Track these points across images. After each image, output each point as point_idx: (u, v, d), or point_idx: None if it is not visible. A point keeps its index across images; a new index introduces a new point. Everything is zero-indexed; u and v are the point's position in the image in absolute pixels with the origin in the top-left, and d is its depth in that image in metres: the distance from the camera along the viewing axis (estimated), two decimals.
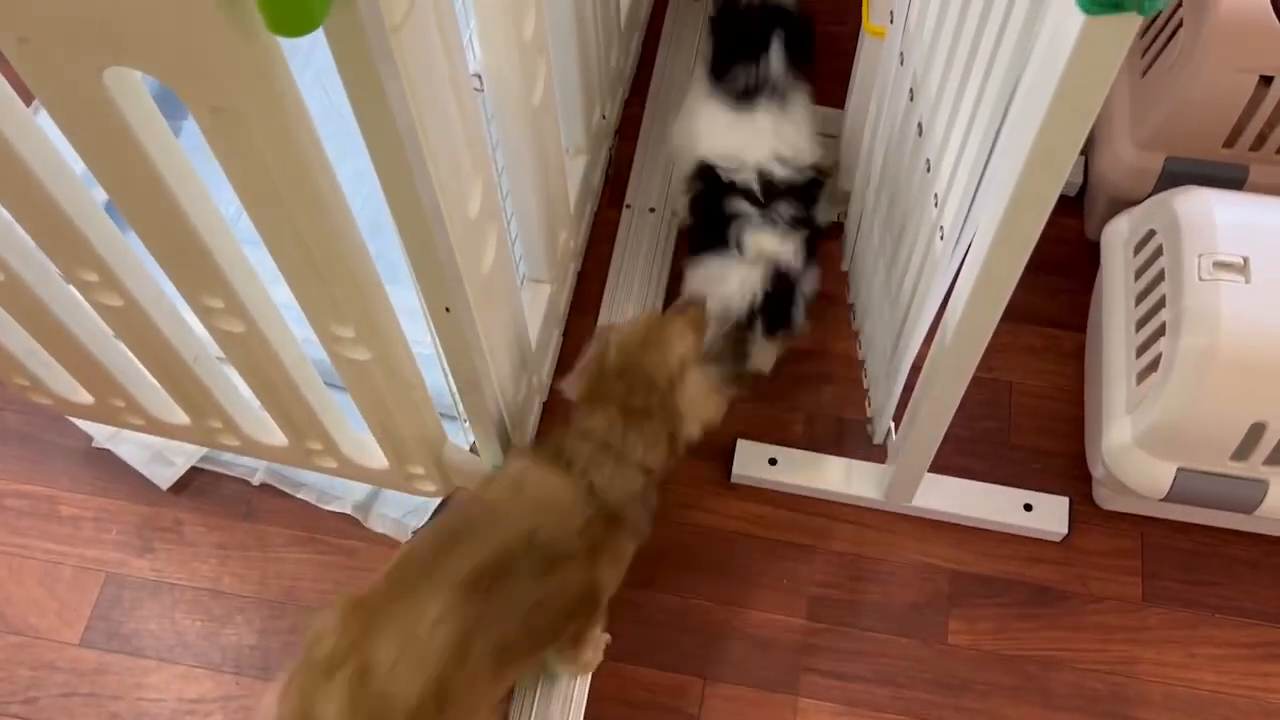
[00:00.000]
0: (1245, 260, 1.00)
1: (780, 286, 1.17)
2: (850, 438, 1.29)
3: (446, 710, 0.85)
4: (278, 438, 1.08)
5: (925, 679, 1.16)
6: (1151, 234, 1.12)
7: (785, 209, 1.17)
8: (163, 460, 1.25)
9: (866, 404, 1.29)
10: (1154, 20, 1.22)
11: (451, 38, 0.74)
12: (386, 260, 1.26)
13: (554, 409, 1.29)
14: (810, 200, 1.20)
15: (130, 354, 0.99)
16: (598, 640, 1.12)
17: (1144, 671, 1.16)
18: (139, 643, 1.18)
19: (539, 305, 1.25)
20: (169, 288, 0.86)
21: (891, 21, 1.05)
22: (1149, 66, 1.22)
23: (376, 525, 1.23)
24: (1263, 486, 1.04)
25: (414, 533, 1.21)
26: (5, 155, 0.72)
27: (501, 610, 0.88)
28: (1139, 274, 1.13)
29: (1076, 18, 0.58)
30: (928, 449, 1.09)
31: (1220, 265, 1.01)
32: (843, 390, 1.32)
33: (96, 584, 1.21)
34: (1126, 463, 1.07)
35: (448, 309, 0.88)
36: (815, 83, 1.41)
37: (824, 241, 1.31)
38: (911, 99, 0.98)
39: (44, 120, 0.70)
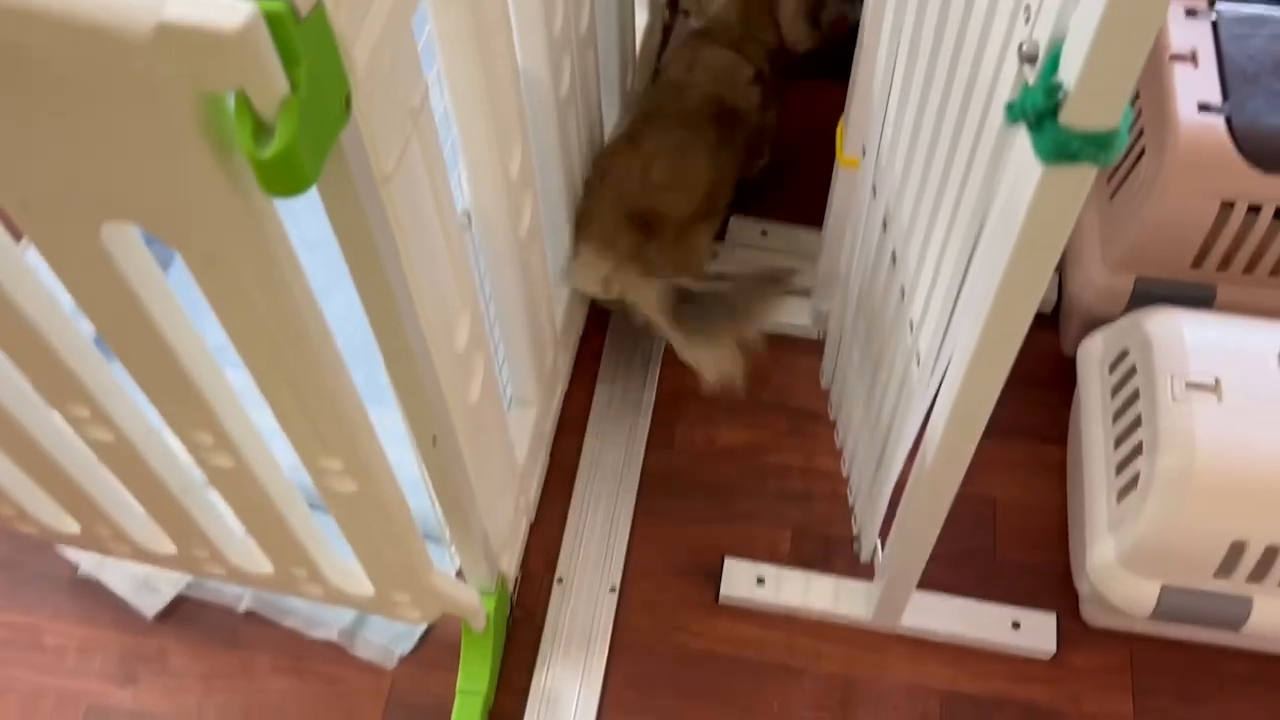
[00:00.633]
0: (1217, 381, 1.03)
1: None
2: (838, 555, 1.29)
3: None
4: (264, 566, 1.07)
5: None
6: (1125, 353, 1.14)
7: None
8: (148, 588, 1.25)
9: (852, 521, 1.30)
10: None
11: (440, 181, 0.77)
12: (375, 383, 1.28)
13: (541, 529, 1.30)
14: None
15: (118, 484, 0.99)
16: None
17: None
18: None
19: (525, 427, 1.27)
20: (158, 419, 0.87)
21: (864, 155, 1.09)
22: (1116, 190, 1.26)
23: (362, 651, 1.22)
24: (1247, 604, 1.05)
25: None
26: None
27: (719, 140, 1.30)
28: (1115, 392, 1.15)
29: (1036, 167, 0.61)
30: (914, 567, 1.10)
31: (1193, 386, 1.03)
32: (829, 507, 1.33)
33: (78, 716, 1.20)
34: (1111, 581, 1.08)
35: (434, 440, 0.89)
36: (795, 201, 1.48)
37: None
38: (885, 229, 1.01)
39: (33, 257, 0.72)
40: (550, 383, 1.31)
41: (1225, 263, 1.20)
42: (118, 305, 0.69)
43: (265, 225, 0.60)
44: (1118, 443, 1.12)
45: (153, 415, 0.86)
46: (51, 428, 0.94)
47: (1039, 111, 0.58)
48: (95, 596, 1.26)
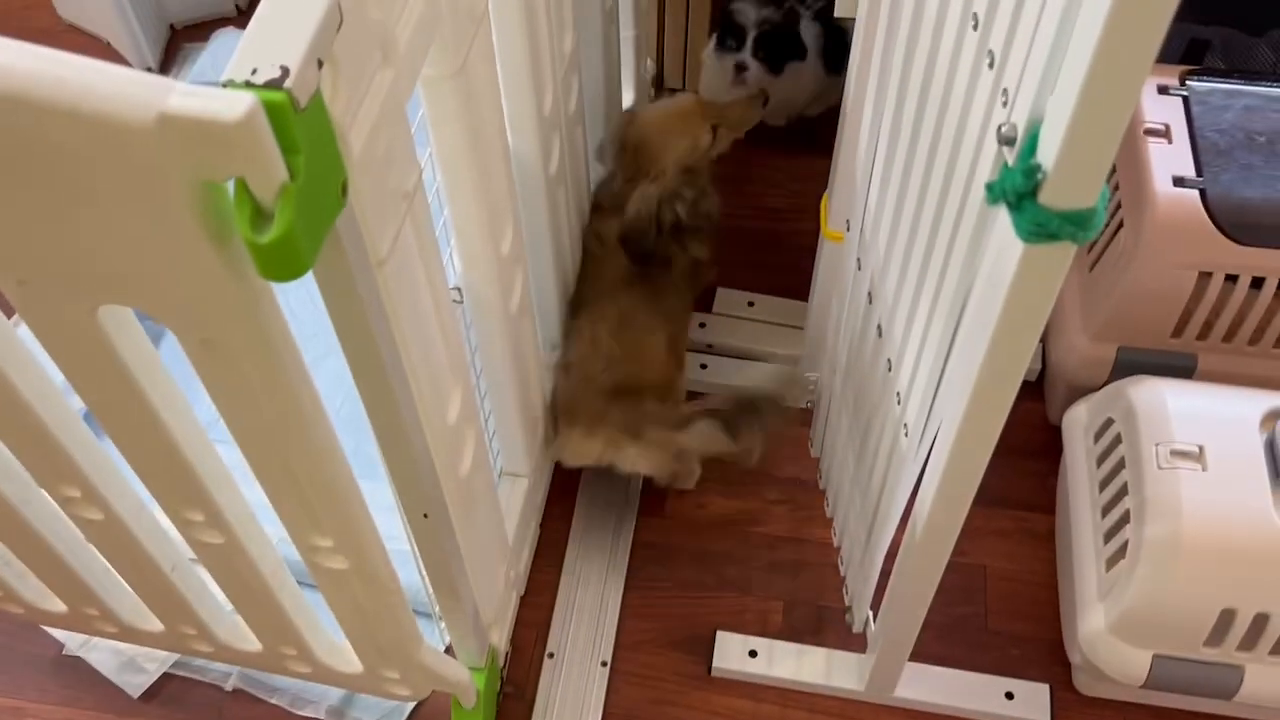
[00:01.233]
0: (1201, 448, 1.04)
1: None
2: (830, 626, 1.29)
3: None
4: (252, 643, 1.07)
5: None
6: (1110, 422, 1.15)
7: None
8: (134, 667, 1.23)
9: (844, 591, 1.30)
10: None
11: (433, 260, 0.78)
12: (364, 455, 1.28)
13: (531, 602, 1.29)
14: None
15: (107, 563, 0.99)
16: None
17: None
18: None
19: (516, 499, 1.27)
20: (147, 495, 0.87)
21: (848, 229, 1.11)
22: (1096, 261, 1.28)
23: None
24: (1238, 673, 1.05)
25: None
26: None
27: (655, 289, 1.28)
28: (1100, 461, 1.16)
29: (1016, 245, 0.63)
30: (906, 638, 1.10)
31: (1177, 454, 1.04)
32: (820, 577, 1.33)
33: None
34: (1102, 650, 1.08)
35: (425, 515, 0.89)
36: (781, 271, 1.49)
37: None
38: (870, 302, 1.03)
39: (25, 333, 0.72)
40: (540, 454, 1.31)
41: (1205, 332, 1.21)
42: (112, 384, 0.69)
43: (262, 309, 0.61)
44: (1105, 511, 1.13)
45: (142, 491, 0.86)
46: (40, 507, 0.94)
47: (1018, 192, 0.60)
48: (80, 676, 1.24)
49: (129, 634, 1.11)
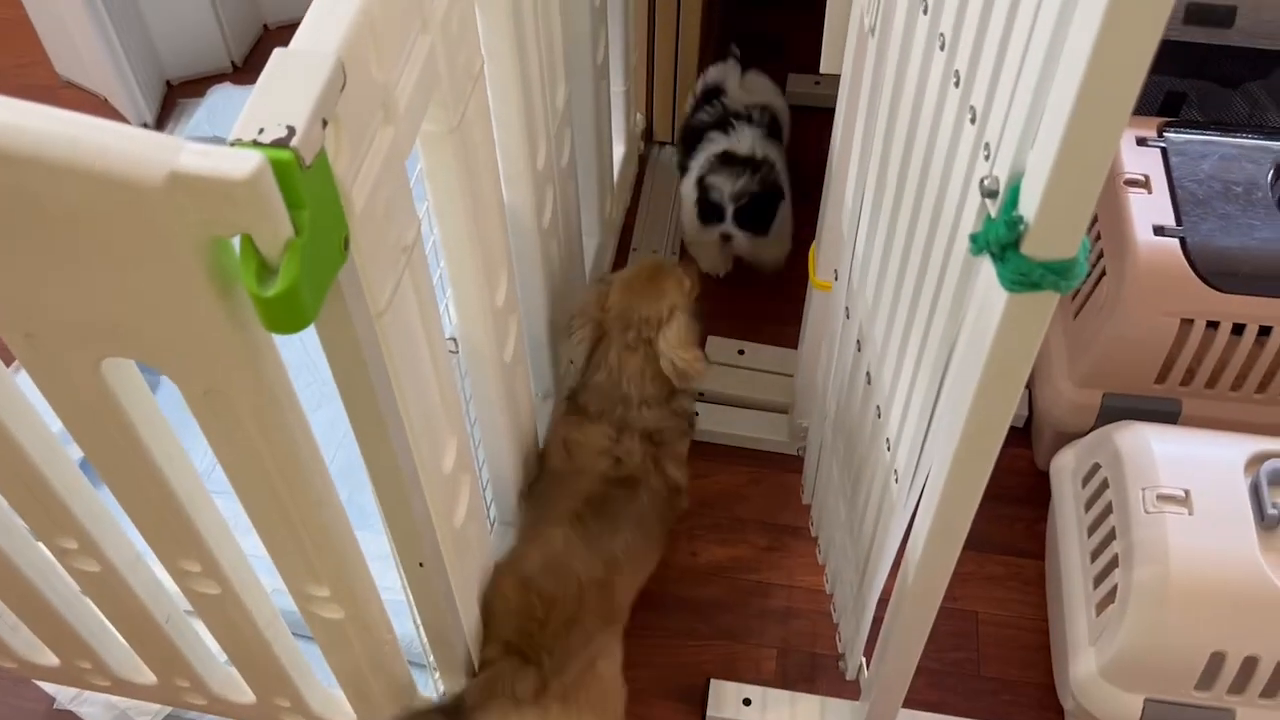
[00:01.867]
0: (1187, 493, 1.05)
1: None
2: (823, 673, 1.29)
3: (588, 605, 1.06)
4: (246, 695, 1.06)
5: None
6: (1097, 467, 1.17)
7: None
8: None
9: (837, 639, 1.30)
10: None
11: (430, 312, 0.79)
12: (358, 505, 1.28)
13: None
14: None
15: (101, 616, 0.99)
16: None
17: None
18: None
19: (509, 547, 1.27)
20: (142, 545, 0.87)
21: (836, 278, 1.12)
22: (1079, 310, 1.31)
23: None
24: (1229, 716, 1.05)
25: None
26: None
27: (613, 526, 1.10)
28: (1088, 506, 1.17)
29: (1000, 294, 0.64)
30: (899, 685, 1.10)
31: (1164, 498, 1.05)
32: (813, 624, 1.33)
33: None
34: (1094, 695, 1.08)
35: (421, 564, 0.89)
36: (770, 320, 1.50)
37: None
38: (859, 349, 1.05)
39: (23, 381, 0.73)
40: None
41: (1188, 378, 1.23)
42: (112, 434, 0.70)
43: (264, 360, 0.62)
44: (1094, 556, 1.14)
45: (139, 542, 0.86)
46: (35, 559, 0.94)
47: (1001, 243, 0.61)
48: None
49: (122, 687, 1.10)
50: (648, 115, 1.76)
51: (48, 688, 1.25)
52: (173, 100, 1.88)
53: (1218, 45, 1.38)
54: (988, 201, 0.64)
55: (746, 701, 1.24)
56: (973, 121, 0.69)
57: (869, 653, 1.15)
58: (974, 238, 0.65)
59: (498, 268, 0.98)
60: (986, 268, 0.65)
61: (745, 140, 1.53)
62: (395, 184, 0.67)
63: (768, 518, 1.42)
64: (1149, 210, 1.20)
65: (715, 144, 1.54)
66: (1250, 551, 1.02)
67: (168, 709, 1.23)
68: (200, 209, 0.51)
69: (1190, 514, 1.04)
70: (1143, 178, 1.22)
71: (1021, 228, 0.60)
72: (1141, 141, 1.26)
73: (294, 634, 1.00)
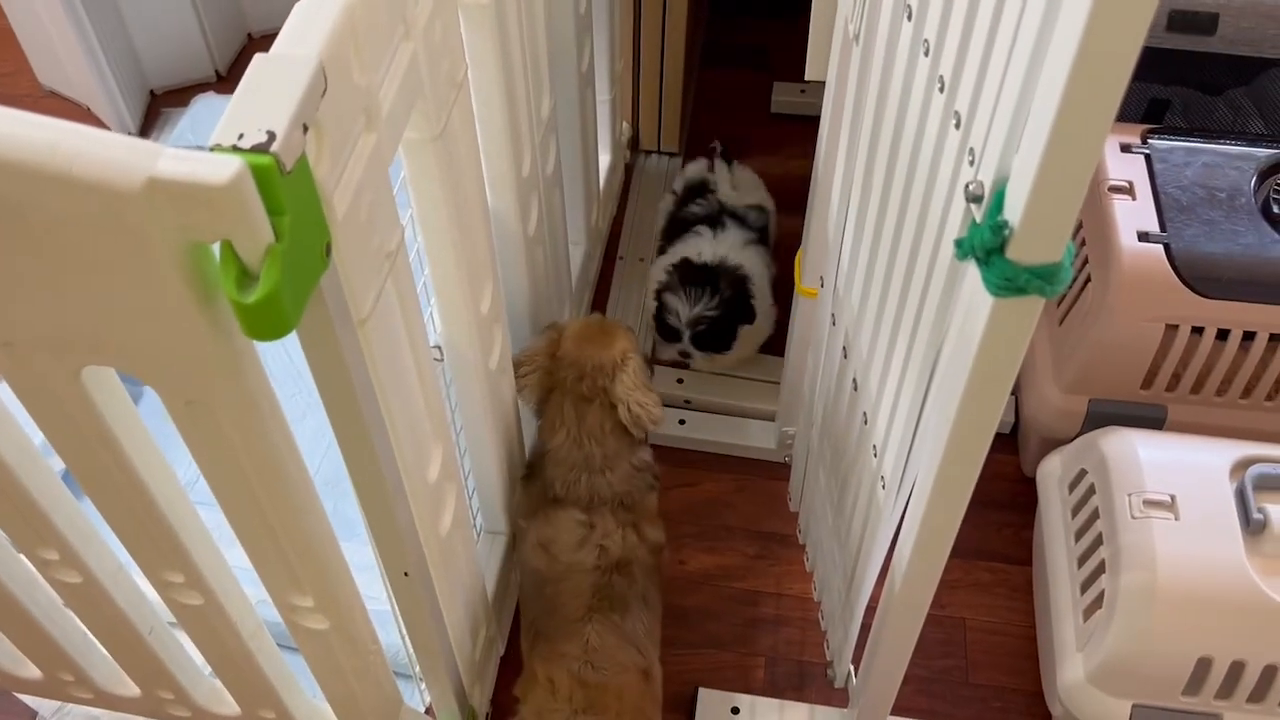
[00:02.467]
0: (1173, 498, 1.05)
1: None
2: (811, 681, 1.29)
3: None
4: (230, 708, 1.05)
5: None
6: (1083, 473, 1.17)
7: None
8: None
9: (825, 646, 1.30)
10: None
11: (414, 319, 0.79)
12: (342, 515, 1.28)
13: (513, 660, 1.28)
14: None
15: (84, 627, 0.98)
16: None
17: None
18: None
19: (495, 557, 1.27)
20: (125, 556, 0.86)
21: (822, 285, 1.12)
22: (1065, 316, 1.31)
23: None
24: None
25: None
26: None
27: (626, 611, 1.08)
28: (1075, 511, 1.18)
29: (986, 299, 0.64)
30: (888, 693, 1.10)
31: (1150, 503, 1.05)
32: (801, 632, 1.33)
33: None
34: (1082, 701, 1.08)
35: (406, 573, 0.89)
36: None
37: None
38: (845, 356, 1.04)
39: (3, 391, 0.72)
40: (515, 521, 1.31)
41: (1174, 384, 1.24)
42: (93, 445, 0.70)
43: (245, 368, 0.61)
44: (1081, 561, 1.14)
45: (121, 553, 0.86)
46: (15, 571, 0.93)
47: (987, 248, 0.61)
48: None
49: (105, 700, 1.09)
50: (634, 124, 1.76)
51: (30, 701, 1.24)
52: (156, 109, 1.88)
53: (1200, 52, 1.39)
54: (973, 207, 0.64)
55: (735, 710, 1.24)
56: (957, 127, 0.69)
57: (857, 660, 1.15)
58: (959, 243, 0.65)
59: (483, 275, 0.98)
60: (972, 273, 0.65)
61: (721, 246, 1.45)
62: (378, 190, 0.66)
63: (755, 525, 1.42)
64: (1133, 216, 1.20)
65: (686, 245, 1.46)
66: (1236, 556, 1.03)
67: None
68: (180, 215, 0.51)
69: (1176, 519, 1.04)
70: (1127, 184, 1.23)
71: (1006, 232, 0.60)
72: (1125, 148, 1.26)
73: (278, 645, 0.99)
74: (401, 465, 0.80)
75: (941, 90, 0.72)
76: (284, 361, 1.45)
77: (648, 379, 1.15)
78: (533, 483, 1.16)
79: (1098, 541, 1.11)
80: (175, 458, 0.76)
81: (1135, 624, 1.03)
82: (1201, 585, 1.02)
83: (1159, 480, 1.07)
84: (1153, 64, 1.39)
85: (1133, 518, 1.05)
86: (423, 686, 1.13)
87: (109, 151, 0.50)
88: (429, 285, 0.94)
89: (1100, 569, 1.09)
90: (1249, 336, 1.18)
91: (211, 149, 0.51)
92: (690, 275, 1.42)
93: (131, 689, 1.06)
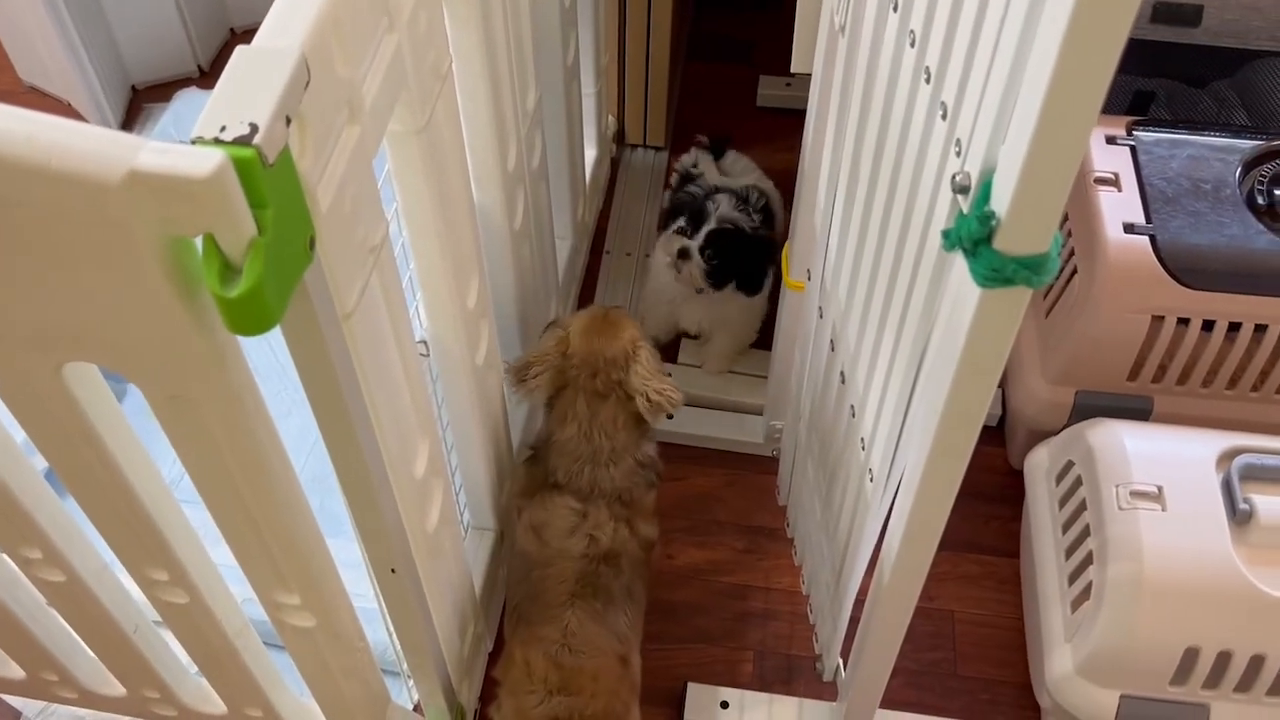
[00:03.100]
0: (1160, 489, 1.06)
1: None
2: (800, 675, 1.29)
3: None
4: (217, 706, 1.05)
5: None
6: (1070, 465, 1.17)
7: None
8: None
9: (814, 640, 1.30)
10: None
11: (399, 314, 0.78)
12: (329, 512, 1.27)
13: (500, 657, 1.28)
14: None
15: (68, 626, 0.97)
16: None
17: None
18: None
19: (483, 553, 1.26)
20: (109, 554, 0.86)
21: (809, 278, 1.12)
22: (1051, 308, 1.31)
23: None
24: (1204, 711, 1.06)
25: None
26: None
27: (609, 601, 1.08)
28: (1062, 503, 1.18)
29: (973, 290, 0.64)
30: (876, 685, 1.10)
31: (1137, 494, 1.05)
32: (790, 626, 1.33)
33: None
34: (1070, 692, 1.08)
35: (393, 570, 0.88)
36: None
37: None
38: (833, 349, 1.04)
39: None
40: (508, 508, 1.31)
41: (1160, 375, 1.24)
42: (76, 442, 0.69)
43: (229, 363, 0.61)
44: (1069, 553, 1.14)
45: (105, 551, 0.85)
46: None
47: (974, 239, 0.61)
48: None
49: (90, 699, 1.08)
50: (619, 118, 1.76)
51: (14, 701, 1.23)
52: (138, 105, 1.86)
53: (1185, 44, 1.40)
54: (960, 197, 0.64)
55: (724, 704, 1.24)
56: (944, 118, 0.69)
57: (846, 653, 1.15)
58: (946, 234, 0.65)
59: (469, 270, 0.97)
60: (959, 264, 0.65)
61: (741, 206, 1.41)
62: (362, 183, 0.66)
63: (743, 520, 1.42)
64: (1119, 208, 1.20)
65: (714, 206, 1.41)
66: (1223, 547, 1.03)
67: None
68: (161, 208, 0.50)
69: (1163, 510, 1.05)
70: (1112, 176, 1.23)
71: (994, 223, 0.60)
72: (1111, 140, 1.27)
73: (265, 643, 0.98)
74: (387, 461, 0.79)
75: (928, 81, 0.72)
76: (269, 357, 1.44)
77: (660, 364, 1.15)
78: (535, 465, 1.16)
79: (1085, 533, 1.11)
80: (159, 454, 0.75)
81: (1123, 615, 1.03)
82: (1189, 576, 1.02)
83: (1146, 471, 1.07)
84: (1137, 56, 1.39)
85: (1120, 509, 1.05)
86: (410, 684, 1.13)
87: (89, 144, 0.50)
88: (414, 280, 0.93)
89: (1088, 560, 1.09)
90: (1234, 327, 1.18)
91: (193, 142, 0.51)
92: (734, 196, 1.40)
93: (116, 688, 1.05)
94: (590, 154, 1.63)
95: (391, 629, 0.99)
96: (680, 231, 1.40)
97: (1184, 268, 1.16)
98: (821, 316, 1.09)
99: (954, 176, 0.64)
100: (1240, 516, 1.04)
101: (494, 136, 1.02)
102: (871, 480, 0.95)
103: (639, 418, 1.13)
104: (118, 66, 1.83)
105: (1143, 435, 1.13)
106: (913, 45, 0.74)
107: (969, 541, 1.38)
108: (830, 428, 1.09)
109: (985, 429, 0.76)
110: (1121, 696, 1.06)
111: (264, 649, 0.98)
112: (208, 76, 1.91)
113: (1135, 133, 1.27)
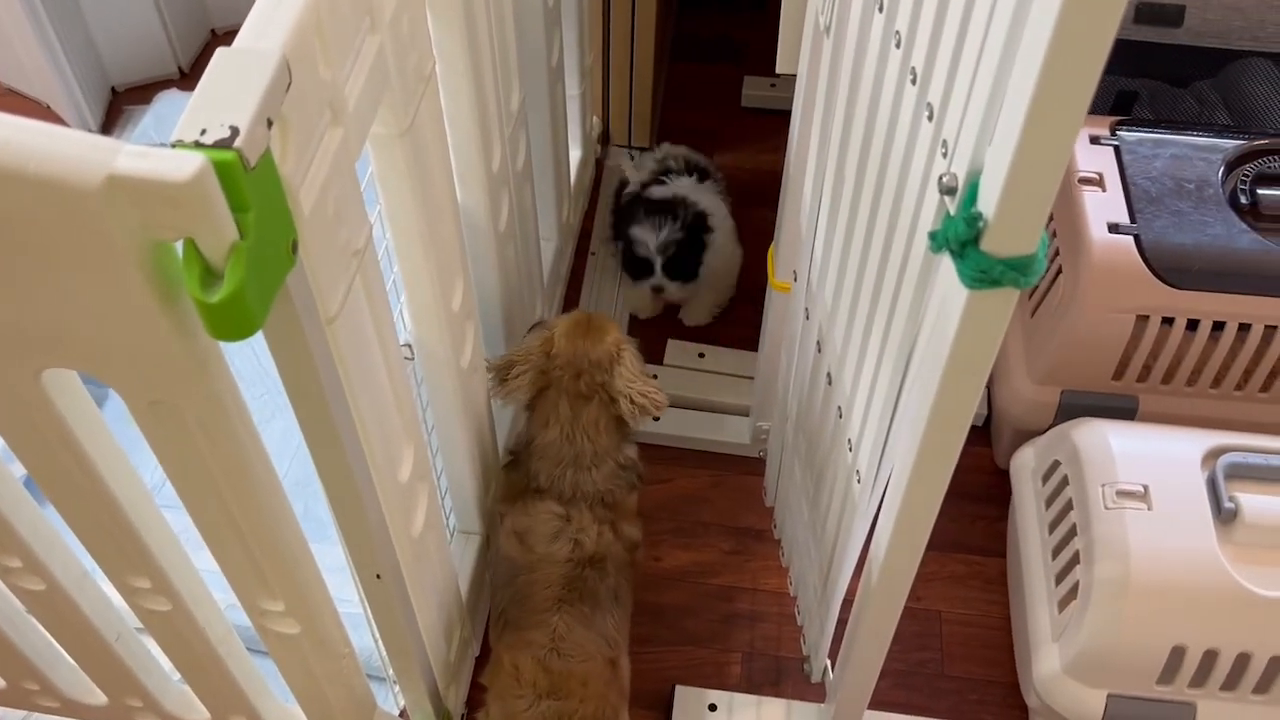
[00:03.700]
0: (1146, 488, 1.06)
1: None
2: (788, 677, 1.29)
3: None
4: (200, 714, 1.04)
5: None
6: (1056, 464, 1.17)
7: None
8: None
9: (801, 641, 1.30)
10: None
11: (383, 317, 0.78)
12: (314, 517, 1.26)
13: (487, 662, 1.27)
14: None
15: (48, 635, 0.96)
16: None
17: None
18: None
19: (469, 557, 1.26)
20: (90, 562, 0.85)
21: (795, 279, 1.12)
22: (1036, 308, 1.31)
23: None
24: (1191, 709, 1.06)
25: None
26: None
27: (596, 605, 1.08)
28: (1049, 503, 1.18)
29: (961, 291, 0.64)
30: (864, 686, 1.09)
31: (1123, 494, 1.06)
32: (777, 627, 1.33)
33: None
34: (1057, 692, 1.08)
35: (379, 576, 0.88)
36: (730, 323, 1.48)
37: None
38: (819, 350, 1.04)
39: None
40: (494, 511, 1.30)
41: (1145, 374, 1.24)
42: (55, 449, 0.68)
43: (211, 369, 0.60)
44: (1055, 553, 1.14)
45: (85, 559, 0.84)
46: None
47: (961, 240, 0.61)
48: None
49: (71, 708, 1.07)
50: (604, 119, 1.75)
51: None
52: (118, 107, 1.85)
53: (1168, 44, 1.40)
54: (946, 199, 0.64)
55: (712, 707, 1.23)
56: (930, 119, 0.68)
57: (834, 655, 1.15)
58: (933, 235, 0.65)
59: (453, 272, 0.97)
60: (946, 265, 0.65)
61: (670, 189, 1.51)
62: (345, 186, 0.65)
63: (730, 521, 1.41)
64: (1103, 208, 1.20)
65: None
66: (1209, 545, 1.03)
67: None
68: (141, 213, 0.50)
69: (1149, 509, 1.05)
70: (1096, 176, 1.23)
71: (981, 224, 0.60)
72: (1095, 140, 1.27)
73: (249, 650, 0.98)
74: (372, 466, 0.79)
75: (914, 83, 0.71)
76: (251, 362, 1.43)
77: (644, 368, 1.14)
78: (516, 470, 1.15)
79: (1071, 533, 1.11)
80: (140, 460, 0.74)
81: (1109, 614, 1.03)
82: (1175, 575, 1.02)
83: (1131, 471, 1.07)
84: (1120, 56, 1.40)
85: (1106, 508, 1.06)
86: (397, 689, 1.12)
87: (66, 148, 0.49)
88: (398, 283, 0.92)
89: (1074, 560, 1.09)
90: (1219, 327, 1.19)
91: (174, 145, 0.50)
92: (651, 207, 1.48)
93: (98, 697, 1.04)
94: (575, 155, 1.63)
95: (377, 634, 0.98)
96: (639, 278, 1.50)
97: (1168, 267, 1.17)
98: (808, 318, 1.09)
99: (940, 178, 0.64)
100: (1225, 515, 1.04)
101: (478, 138, 1.02)
102: (859, 481, 0.94)
103: (621, 421, 1.12)
104: (97, 68, 1.81)
105: (1128, 435, 1.13)
106: (898, 46, 0.74)
107: (955, 541, 1.38)
108: (817, 429, 1.09)
109: (971, 429, 0.76)
110: (1108, 696, 1.06)
111: (248, 656, 0.97)
112: (188, 78, 1.90)
113: (1119, 132, 1.28)
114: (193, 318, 0.56)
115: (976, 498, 1.41)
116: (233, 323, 0.53)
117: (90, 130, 1.75)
